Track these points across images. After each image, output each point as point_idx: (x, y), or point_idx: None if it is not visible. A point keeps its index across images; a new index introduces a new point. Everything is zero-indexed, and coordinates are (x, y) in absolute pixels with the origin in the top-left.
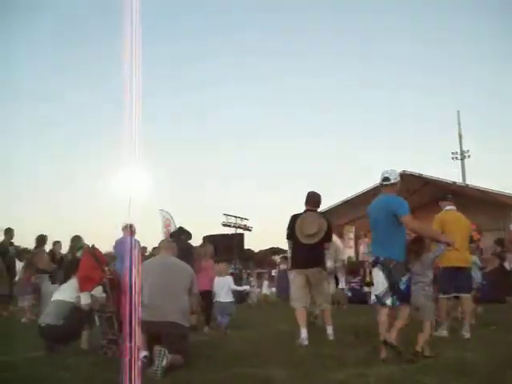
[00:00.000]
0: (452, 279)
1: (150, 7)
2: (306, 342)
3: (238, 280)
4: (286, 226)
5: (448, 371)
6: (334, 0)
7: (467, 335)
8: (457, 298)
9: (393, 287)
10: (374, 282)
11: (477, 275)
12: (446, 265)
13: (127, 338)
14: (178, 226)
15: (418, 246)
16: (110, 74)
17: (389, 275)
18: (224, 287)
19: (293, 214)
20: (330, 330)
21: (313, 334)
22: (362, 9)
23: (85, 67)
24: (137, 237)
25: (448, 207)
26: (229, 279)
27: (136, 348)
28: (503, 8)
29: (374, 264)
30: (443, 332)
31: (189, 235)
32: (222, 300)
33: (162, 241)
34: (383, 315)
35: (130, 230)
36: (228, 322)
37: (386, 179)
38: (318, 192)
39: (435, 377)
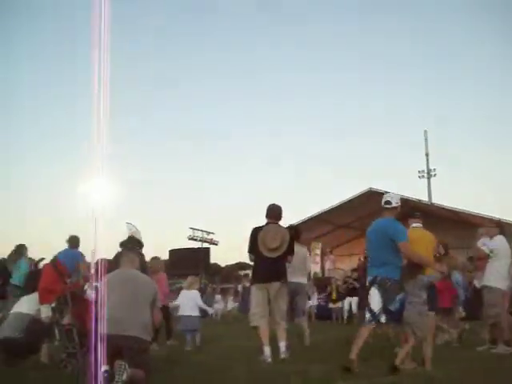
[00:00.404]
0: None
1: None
2: (270, 360)
3: (202, 294)
4: (248, 239)
5: None
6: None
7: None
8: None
9: (386, 306)
10: (371, 300)
11: (461, 292)
12: None
13: (88, 352)
14: (128, 236)
15: (413, 268)
16: (76, 84)
17: (384, 294)
18: (190, 301)
19: (254, 227)
20: (282, 346)
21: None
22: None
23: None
24: (99, 249)
25: (414, 224)
26: (195, 294)
27: (101, 362)
28: (467, 26)
29: (371, 283)
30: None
31: (140, 245)
32: (187, 314)
33: (125, 253)
34: (366, 331)
35: (73, 242)
36: (197, 337)
37: (387, 202)
38: (279, 204)
39: None
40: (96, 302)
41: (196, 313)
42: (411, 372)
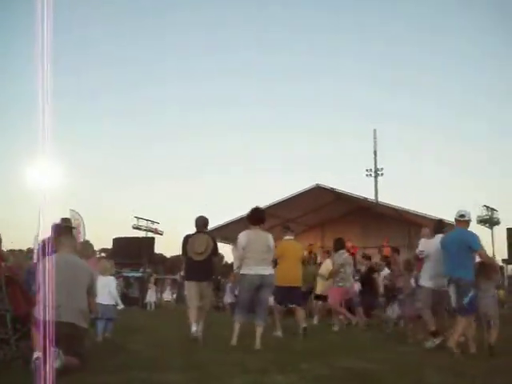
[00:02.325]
0: (285, 295)
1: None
2: (197, 334)
3: (144, 283)
4: (181, 244)
5: (343, 381)
6: None
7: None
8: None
9: (459, 301)
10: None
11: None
12: (281, 284)
13: (22, 338)
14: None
15: (489, 270)
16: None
17: (458, 291)
18: (105, 288)
19: (185, 235)
20: (199, 326)
21: (218, 341)
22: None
23: None
24: (42, 234)
25: (287, 237)
26: (111, 280)
27: (49, 348)
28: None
29: (449, 282)
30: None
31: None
32: (102, 302)
33: (62, 238)
34: (464, 322)
35: None
36: (110, 328)
37: (462, 216)
38: (205, 215)
39: None
40: (32, 286)
41: (111, 301)
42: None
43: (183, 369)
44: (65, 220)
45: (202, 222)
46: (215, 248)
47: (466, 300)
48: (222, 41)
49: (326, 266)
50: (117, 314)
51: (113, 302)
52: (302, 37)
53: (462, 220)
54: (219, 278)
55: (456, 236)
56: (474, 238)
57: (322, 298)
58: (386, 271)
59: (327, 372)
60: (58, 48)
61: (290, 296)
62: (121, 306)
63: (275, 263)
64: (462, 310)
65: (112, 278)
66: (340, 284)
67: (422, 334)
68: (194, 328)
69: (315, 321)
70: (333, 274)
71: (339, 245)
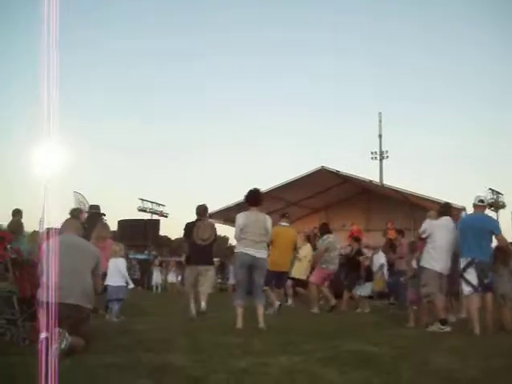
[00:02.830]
0: (272, 279)
1: None
2: (193, 313)
3: (149, 265)
4: (183, 231)
5: (347, 363)
6: None
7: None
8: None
9: (482, 281)
10: (469, 277)
11: None
12: (271, 269)
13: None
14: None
15: (504, 254)
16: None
17: (480, 272)
18: (116, 270)
19: (187, 223)
20: (203, 304)
21: (222, 324)
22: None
23: None
24: (47, 217)
25: (283, 223)
26: (121, 261)
27: (54, 329)
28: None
29: (470, 264)
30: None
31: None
32: (113, 284)
33: (66, 220)
34: (476, 302)
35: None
36: (118, 309)
37: (481, 201)
38: (205, 203)
39: (335, 368)
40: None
41: (122, 282)
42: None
43: (187, 351)
44: (94, 207)
45: (202, 210)
46: (216, 235)
47: (487, 280)
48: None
49: (305, 249)
50: (126, 294)
51: (123, 283)
52: (306, 15)
53: (481, 205)
54: (223, 260)
55: (477, 220)
56: (496, 223)
57: (297, 281)
58: (380, 254)
59: (331, 354)
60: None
61: (277, 280)
62: (131, 286)
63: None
64: (484, 288)
65: (122, 259)
66: (323, 266)
67: (427, 317)
68: (191, 308)
69: (289, 302)
70: (316, 258)
71: (325, 230)
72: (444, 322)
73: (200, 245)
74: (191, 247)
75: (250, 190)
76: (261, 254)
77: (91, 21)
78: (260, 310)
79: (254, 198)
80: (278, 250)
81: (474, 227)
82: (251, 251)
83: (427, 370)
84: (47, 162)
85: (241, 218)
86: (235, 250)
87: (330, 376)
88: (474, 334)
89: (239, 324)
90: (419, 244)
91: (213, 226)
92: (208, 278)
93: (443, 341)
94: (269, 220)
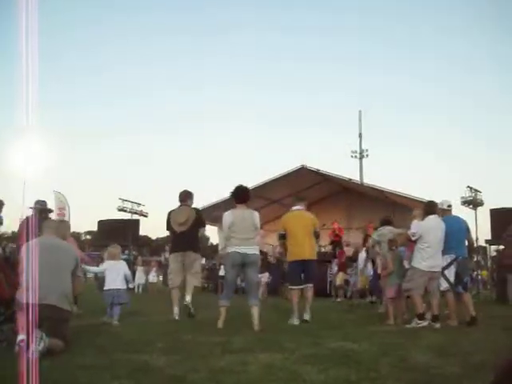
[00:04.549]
0: (297, 270)
1: None
2: (177, 317)
3: (129, 265)
4: (166, 221)
5: (328, 360)
6: None
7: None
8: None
9: (461, 278)
10: (449, 273)
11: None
12: (291, 259)
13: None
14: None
15: (472, 251)
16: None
17: (462, 270)
18: (118, 273)
19: (169, 210)
20: (188, 299)
21: (203, 323)
22: None
23: None
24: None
25: (294, 207)
26: (124, 264)
27: (32, 330)
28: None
29: (453, 261)
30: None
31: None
32: (114, 287)
33: (47, 221)
34: (452, 297)
35: None
36: (117, 312)
37: (449, 206)
38: (187, 190)
39: (315, 366)
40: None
41: (125, 285)
42: (321, 348)
43: (167, 350)
44: (40, 202)
45: (183, 195)
46: (199, 219)
47: (467, 279)
48: None
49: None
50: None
51: (125, 287)
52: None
53: (450, 209)
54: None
55: (458, 221)
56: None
57: None
58: (364, 252)
59: (311, 351)
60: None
61: (305, 273)
62: (132, 285)
63: (283, 237)
64: (465, 286)
65: (123, 262)
66: None
67: (405, 314)
68: (175, 310)
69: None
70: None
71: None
72: (421, 317)
73: (178, 230)
74: (171, 235)
75: (237, 187)
76: (252, 250)
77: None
78: (255, 312)
79: (240, 195)
80: (293, 237)
81: (460, 227)
82: (243, 249)
83: (407, 367)
84: (25, 161)
85: (228, 216)
86: (226, 251)
87: (310, 373)
88: (452, 326)
89: (220, 324)
90: (409, 244)
91: (190, 209)
92: (193, 267)
93: (423, 337)
94: (256, 216)
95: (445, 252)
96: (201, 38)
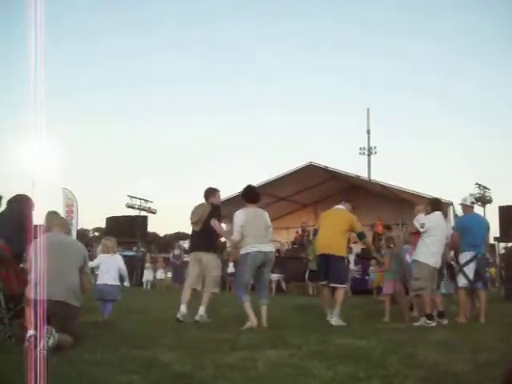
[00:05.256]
0: (323, 264)
1: None
2: (182, 318)
3: (137, 262)
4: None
5: (335, 357)
6: None
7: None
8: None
9: (482, 275)
10: (468, 270)
11: None
12: (319, 252)
13: (16, 317)
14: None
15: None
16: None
17: (482, 267)
18: (111, 268)
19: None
20: (201, 310)
21: (213, 321)
22: None
23: None
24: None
25: (336, 206)
26: (118, 258)
27: (42, 326)
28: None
29: (473, 258)
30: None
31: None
32: (107, 283)
33: (55, 218)
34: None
35: None
36: (109, 309)
37: (472, 203)
38: (211, 186)
39: (322, 362)
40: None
41: (117, 281)
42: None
43: (174, 346)
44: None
45: (204, 193)
46: (213, 212)
47: (487, 276)
48: None
49: None
50: (120, 294)
51: (117, 283)
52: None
53: (473, 206)
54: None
55: (479, 218)
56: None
57: None
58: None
59: (319, 348)
60: None
61: (329, 267)
62: (127, 284)
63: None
64: (486, 283)
65: (119, 256)
66: None
67: (415, 311)
68: (182, 310)
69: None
70: None
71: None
72: (430, 317)
73: (195, 230)
74: (191, 233)
75: (248, 187)
76: (270, 247)
77: None
78: (264, 311)
79: (252, 195)
80: (323, 230)
81: (481, 225)
82: (261, 248)
83: (415, 363)
84: (35, 158)
85: (240, 215)
86: (243, 251)
87: (318, 370)
88: (460, 323)
89: (254, 320)
90: (413, 238)
91: (206, 207)
92: (212, 271)
93: (431, 334)
94: (267, 215)
95: (464, 249)
96: (210, 26)
